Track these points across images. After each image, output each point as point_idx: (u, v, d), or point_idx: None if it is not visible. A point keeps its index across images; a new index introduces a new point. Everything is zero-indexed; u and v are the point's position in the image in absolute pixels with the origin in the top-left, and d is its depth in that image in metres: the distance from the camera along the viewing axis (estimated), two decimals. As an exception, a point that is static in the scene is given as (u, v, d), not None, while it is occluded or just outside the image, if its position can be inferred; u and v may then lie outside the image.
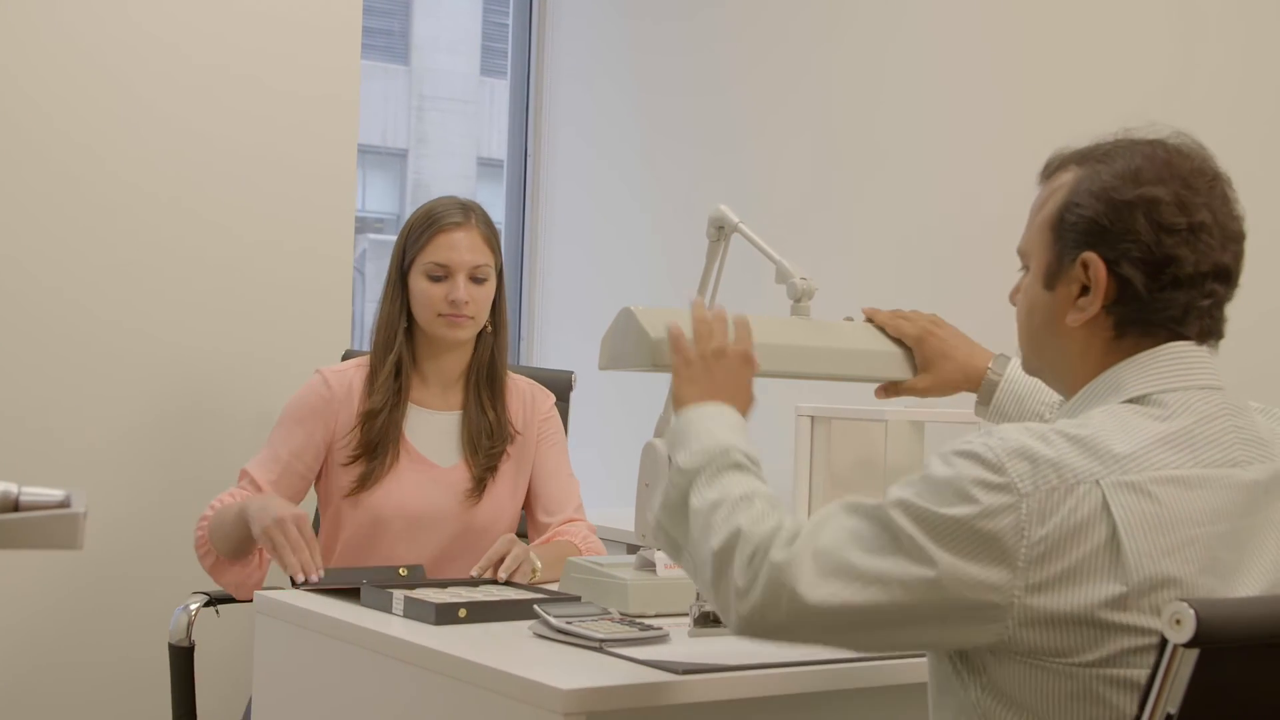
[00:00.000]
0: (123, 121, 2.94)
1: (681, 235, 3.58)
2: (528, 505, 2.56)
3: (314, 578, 2.14)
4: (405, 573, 2.20)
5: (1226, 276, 1.41)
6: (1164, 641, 1.18)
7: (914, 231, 3.19)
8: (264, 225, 3.09)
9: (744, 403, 1.65)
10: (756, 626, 1.37)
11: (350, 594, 2.08)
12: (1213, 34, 2.66)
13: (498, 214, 4.23)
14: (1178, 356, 1.40)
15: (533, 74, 4.30)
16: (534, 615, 1.85)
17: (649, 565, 2.03)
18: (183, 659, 2.47)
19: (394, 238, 2.52)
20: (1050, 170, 1.49)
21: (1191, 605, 1.16)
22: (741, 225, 2.05)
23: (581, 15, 4.21)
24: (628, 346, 1.81)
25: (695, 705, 1.66)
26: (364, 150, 3.50)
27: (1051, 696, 1.31)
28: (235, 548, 2.34)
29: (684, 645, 1.79)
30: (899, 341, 1.96)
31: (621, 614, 1.92)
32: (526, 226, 4.30)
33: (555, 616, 1.82)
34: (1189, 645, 1.16)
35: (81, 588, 2.91)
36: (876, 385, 1.99)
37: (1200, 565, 1.29)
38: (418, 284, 2.43)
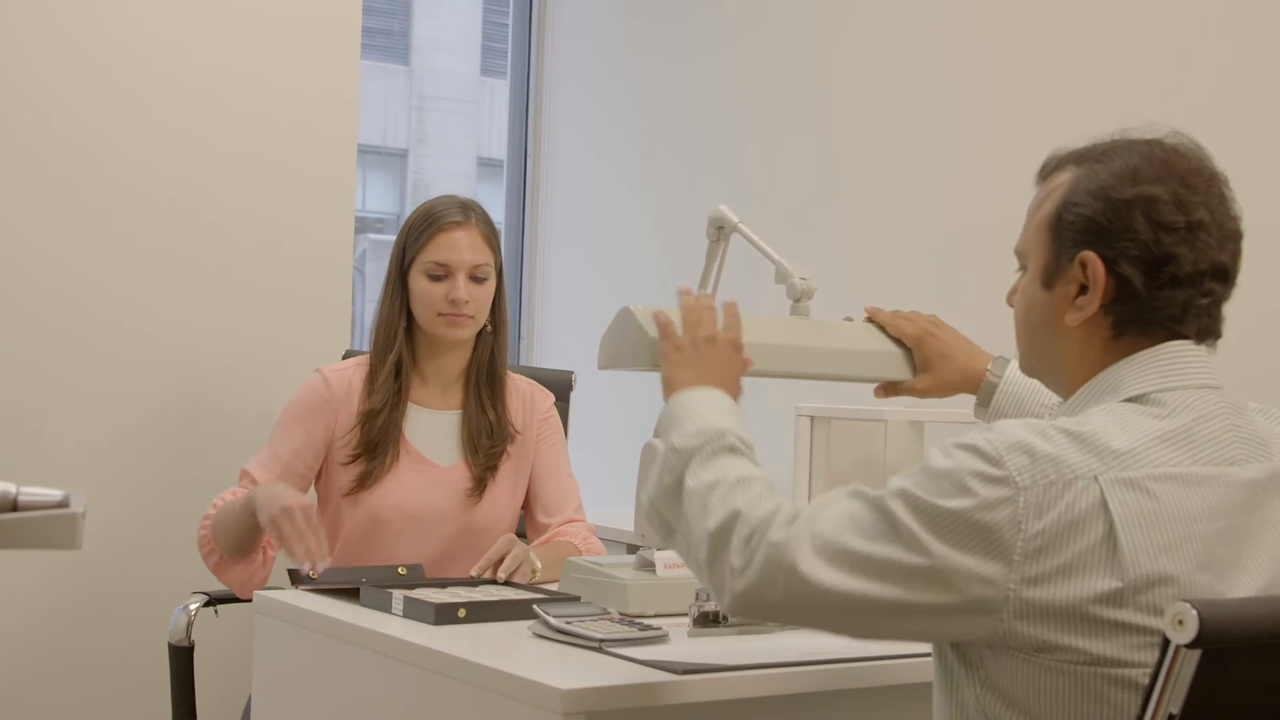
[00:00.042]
0: (123, 121, 2.94)
1: (681, 235, 3.58)
2: (527, 506, 2.56)
3: (321, 566, 2.14)
4: (404, 572, 2.20)
5: (1224, 275, 1.41)
6: (1166, 642, 1.18)
7: (914, 231, 3.19)
8: (264, 225, 3.09)
9: (734, 390, 1.67)
10: (753, 604, 1.37)
11: (350, 594, 2.08)
12: (1212, 34, 2.66)
13: (498, 214, 4.23)
14: (1176, 356, 1.40)
15: (533, 74, 4.31)
16: (533, 615, 1.85)
17: (649, 565, 2.03)
18: (182, 659, 2.47)
19: (394, 238, 2.52)
20: (1047, 171, 1.49)
21: (1194, 606, 1.16)
22: (741, 225, 2.06)
23: (581, 15, 4.21)
24: (627, 346, 1.81)
25: (694, 705, 1.65)
26: (364, 150, 3.51)
27: (1049, 695, 1.31)
28: (240, 541, 2.33)
29: (683, 645, 1.79)
30: (899, 342, 1.96)
31: (621, 614, 1.92)
32: (526, 226, 4.30)
33: (555, 616, 1.82)
34: (1191, 646, 1.16)
35: (81, 587, 2.91)
36: (875, 385, 1.99)
37: (1197, 563, 1.30)
38: (418, 283, 2.43)
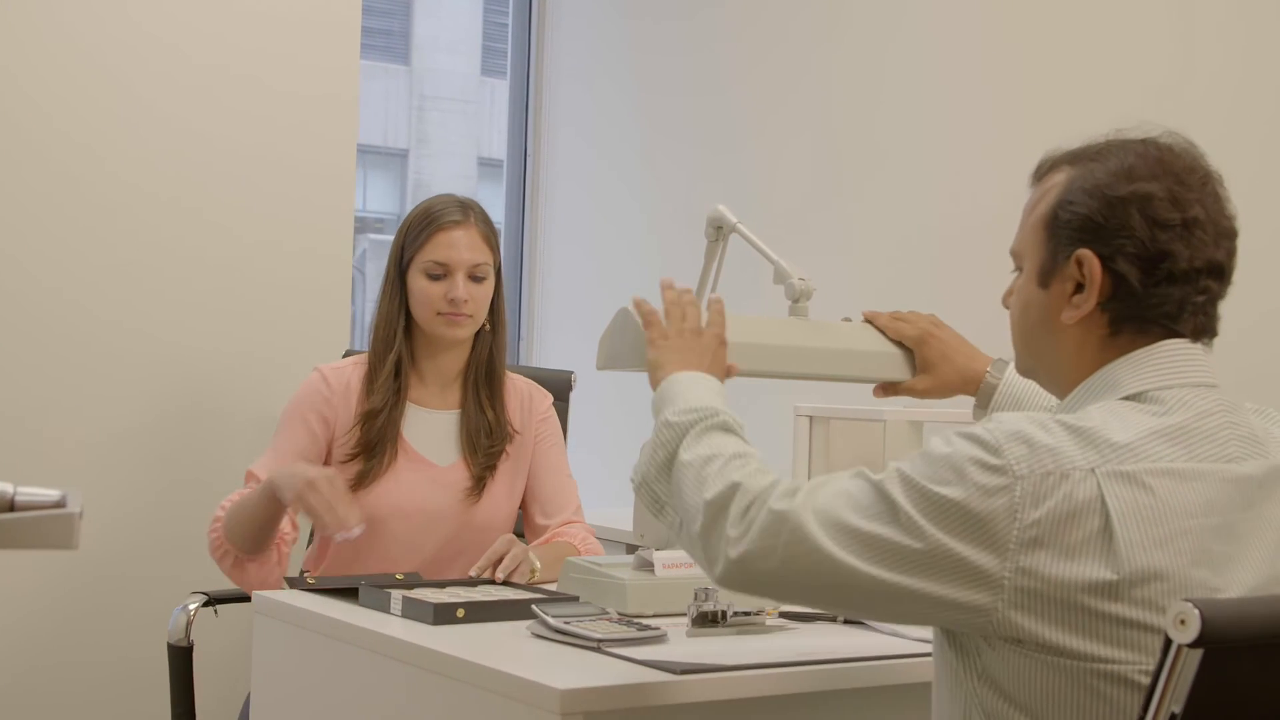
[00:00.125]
0: (123, 121, 2.94)
1: (681, 235, 3.58)
2: (525, 507, 2.56)
3: (355, 531, 2.16)
4: (401, 578, 2.20)
5: (1220, 273, 1.41)
6: (1168, 641, 1.18)
7: (913, 232, 3.19)
8: (264, 225, 3.09)
9: (720, 379, 1.69)
10: (747, 573, 1.38)
11: (348, 594, 2.08)
12: (1211, 34, 2.66)
13: (497, 214, 4.23)
14: (1173, 354, 1.40)
15: (533, 74, 4.31)
16: (532, 615, 1.85)
17: (647, 565, 2.03)
18: (181, 659, 2.47)
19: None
20: (1042, 171, 1.49)
21: (1196, 605, 1.16)
22: (740, 225, 2.06)
23: (581, 15, 4.21)
24: (625, 346, 1.81)
25: (693, 705, 1.65)
26: (364, 150, 3.51)
27: (1045, 689, 1.32)
28: (259, 534, 2.32)
29: (682, 645, 1.79)
30: (898, 342, 1.96)
31: (619, 614, 1.92)
32: (526, 226, 4.31)
33: (553, 616, 1.82)
34: (1193, 645, 1.17)
35: (81, 587, 2.91)
36: (874, 385, 1.99)
37: (1192, 558, 1.30)
38: (416, 282, 2.43)
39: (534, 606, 1.86)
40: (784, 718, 1.77)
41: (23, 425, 2.84)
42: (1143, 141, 1.43)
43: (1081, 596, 1.28)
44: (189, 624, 2.45)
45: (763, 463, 1.46)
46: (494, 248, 2.48)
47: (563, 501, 2.54)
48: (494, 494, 2.48)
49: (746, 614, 1.89)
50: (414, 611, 1.93)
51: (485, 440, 2.47)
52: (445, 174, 8.98)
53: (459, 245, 2.42)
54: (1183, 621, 1.16)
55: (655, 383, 1.66)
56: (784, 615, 1.99)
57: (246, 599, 2.35)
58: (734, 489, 1.41)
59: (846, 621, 1.98)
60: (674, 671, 1.64)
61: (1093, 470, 1.30)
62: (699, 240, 2.11)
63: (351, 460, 2.42)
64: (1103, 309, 1.41)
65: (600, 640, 1.75)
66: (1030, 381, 1.59)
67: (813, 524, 1.34)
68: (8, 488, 1.07)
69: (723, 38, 3.73)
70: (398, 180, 9.14)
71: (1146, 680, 1.27)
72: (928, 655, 1.50)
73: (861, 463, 2.81)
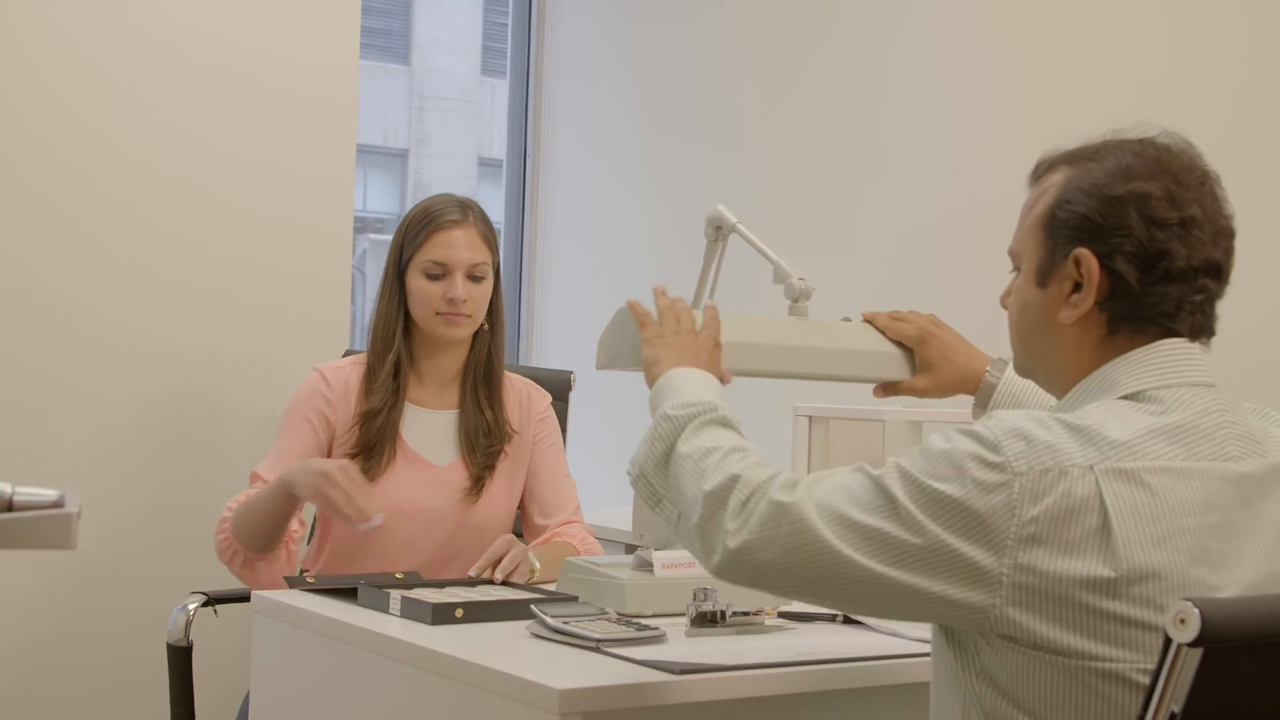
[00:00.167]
0: (123, 121, 2.94)
1: (681, 235, 3.58)
2: (524, 507, 2.55)
3: (376, 520, 2.16)
4: (401, 577, 2.20)
5: (1218, 272, 1.41)
6: (1168, 640, 1.18)
7: (913, 232, 3.19)
8: (264, 225, 3.09)
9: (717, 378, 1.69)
10: (745, 563, 1.38)
11: (347, 594, 2.08)
12: (1211, 34, 2.66)
13: (497, 214, 4.23)
14: (1171, 353, 1.40)
15: (532, 74, 4.31)
16: (531, 615, 1.85)
17: (646, 565, 2.03)
18: (181, 659, 2.47)
19: (394, 237, 2.52)
20: (1040, 172, 1.50)
21: (1196, 604, 1.16)
22: (739, 225, 2.06)
23: (581, 15, 4.21)
24: (625, 346, 1.81)
25: (692, 705, 1.65)
26: (364, 150, 3.51)
27: (1042, 687, 1.32)
28: (270, 532, 2.32)
29: (681, 645, 1.79)
30: (897, 342, 1.96)
31: (618, 614, 1.92)
32: (526, 226, 4.31)
33: (552, 616, 1.82)
34: (1193, 644, 1.17)
35: (80, 587, 2.91)
36: (874, 385, 1.99)
37: (1190, 555, 1.30)
38: (415, 282, 2.43)
39: (533, 606, 1.86)
40: (783, 718, 1.77)
41: (23, 425, 2.85)
42: (1140, 141, 1.44)
43: (1079, 593, 1.28)
44: (188, 624, 2.45)
45: (761, 456, 1.47)
46: (493, 247, 2.48)
47: (561, 501, 2.53)
48: (492, 494, 2.48)
49: (745, 614, 1.89)
50: (412, 611, 1.93)
51: (484, 440, 2.47)
52: (445, 174, 8.98)
53: (458, 245, 2.42)
54: (1183, 620, 1.16)
55: (652, 379, 1.67)
56: (783, 615, 1.99)
57: (246, 599, 2.35)
58: (734, 481, 1.41)
59: (846, 621, 1.98)
60: (673, 671, 1.64)
61: (1091, 467, 1.30)
62: (699, 240, 2.11)
63: (350, 460, 2.42)
64: (1100, 308, 1.41)
65: (599, 640, 1.75)
66: (1030, 381, 1.59)
67: (814, 516, 1.35)
68: (6, 487, 1.07)
69: (723, 38, 3.73)
70: (398, 180, 9.14)
71: (1144, 679, 1.28)
72: (926, 655, 1.50)
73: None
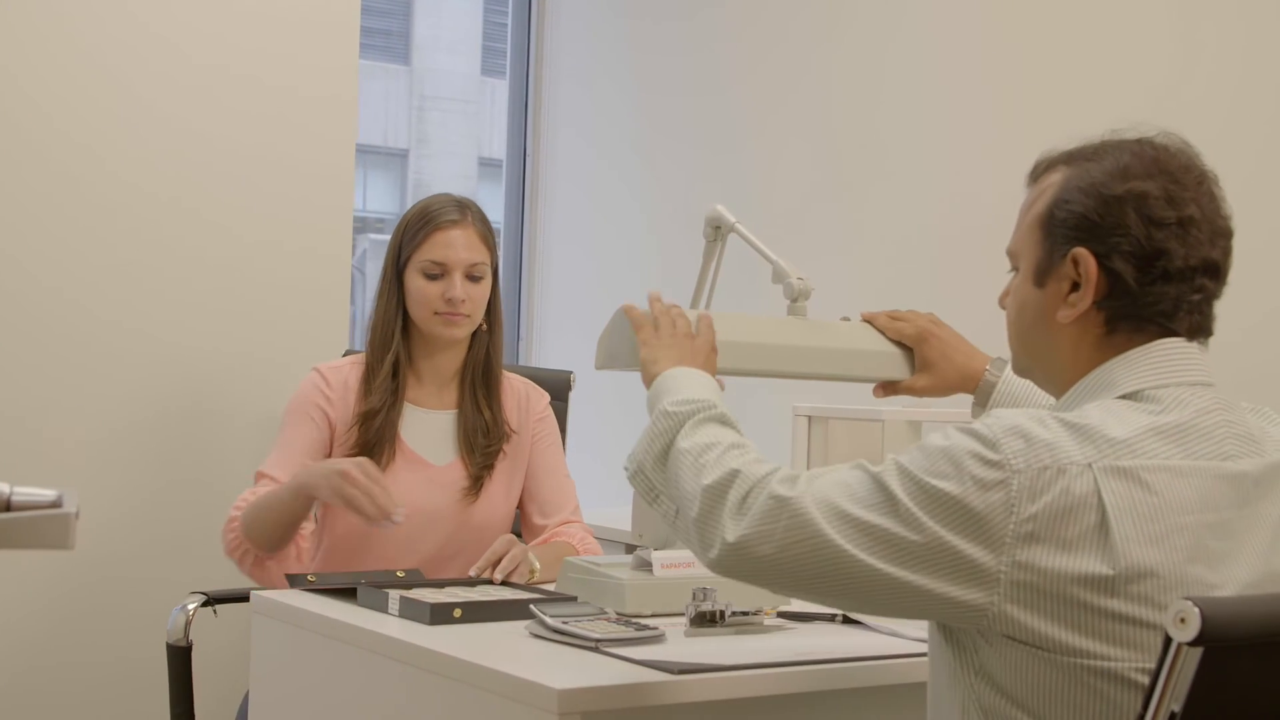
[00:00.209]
0: (123, 121, 2.94)
1: (681, 235, 3.58)
2: (522, 507, 2.55)
3: (398, 516, 2.16)
4: (403, 575, 2.20)
5: (1215, 272, 1.41)
6: (1168, 639, 1.18)
7: (913, 231, 3.19)
8: (264, 225, 3.09)
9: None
10: (743, 558, 1.38)
11: (347, 594, 2.08)
12: (1212, 34, 2.65)
13: (497, 214, 4.23)
14: (1169, 353, 1.40)
15: (532, 74, 4.31)
16: (530, 615, 1.85)
17: (646, 565, 2.03)
18: (180, 659, 2.47)
19: (394, 237, 2.52)
20: (1038, 172, 1.50)
21: (1197, 604, 1.16)
22: (738, 225, 2.06)
23: (581, 15, 4.21)
24: (624, 346, 1.81)
25: (691, 705, 1.65)
26: (364, 150, 3.51)
27: (1041, 685, 1.32)
28: (283, 532, 2.32)
29: (680, 645, 1.79)
30: (897, 341, 1.96)
31: (618, 614, 1.92)
32: (526, 226, 4.31)
33: (551, 616, 1.82)
34: (1193, 644, 1.17)
35: (80, 587, 2.91)
36: (874, 385, 1.99)
37: (1188, 554, 1.30)
38: (414, 282, 2.43)
39: (532, 606, 1.86)
40: (782, 717, 1.77)
41: (22, 425, 2.85)
42: (1138, 141, 1.44)
43: (1077, 591, 1.28)
44: (188, 624, 2.45)
45: (760, 453, 1.47)
46: (491, 247, 2.48)
47: (560, 501, 2.53)
48: (491, 494, 2.48)
49: (745, 614, 1.89)
50: (411, 611, 1.93)
51: (482, 440, 2.47)
52: (445, 174, 8.98)
53: (456, 245, 2.42)
54: (1183, 620, 1.16)
55: (649, 379, 1.67)
56: (782, 615, 1.99)
57: (245, 599, 2.35)
58: (733, 475, 1.42)
59: (845, 621, 1.98)
60: (672, 671, 1.64)
61: (1089, 465, 1.30)
62: (698, 240, 2.11)
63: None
64: (1099, 308, 1.41)
65: (598, 640, 1.75)
66: (1029, 380, 1.59)
67: (814, 511, 1.35)
68: (4, 487, 1.07)
69: (723, 38, 3.73)
70: (398, 180, 9.15)
71: (1142, 678, 1.28)
72: (925, 655, 1.50)
73: (860, 463, 2.82)
